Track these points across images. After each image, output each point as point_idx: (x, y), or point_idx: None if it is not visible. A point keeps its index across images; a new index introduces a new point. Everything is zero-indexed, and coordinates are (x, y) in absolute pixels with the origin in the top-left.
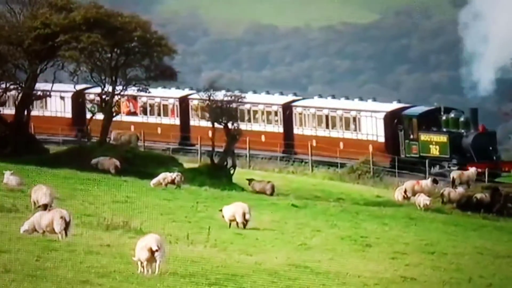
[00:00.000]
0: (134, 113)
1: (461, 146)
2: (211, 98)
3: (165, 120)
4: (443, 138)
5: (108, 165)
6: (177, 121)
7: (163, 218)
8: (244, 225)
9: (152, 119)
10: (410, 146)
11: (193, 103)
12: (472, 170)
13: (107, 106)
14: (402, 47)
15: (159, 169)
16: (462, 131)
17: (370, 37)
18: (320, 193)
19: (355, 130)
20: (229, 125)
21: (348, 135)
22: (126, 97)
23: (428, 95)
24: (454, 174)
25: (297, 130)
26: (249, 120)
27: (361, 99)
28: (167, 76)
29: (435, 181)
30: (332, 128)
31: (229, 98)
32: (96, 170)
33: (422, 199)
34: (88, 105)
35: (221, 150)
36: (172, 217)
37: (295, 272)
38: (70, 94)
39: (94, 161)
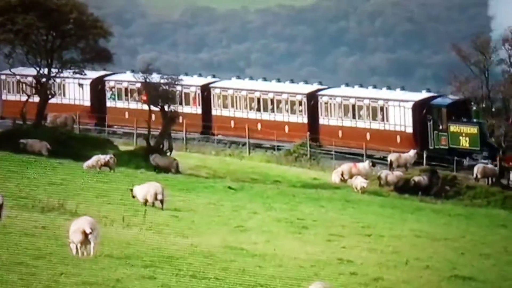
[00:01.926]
0: None
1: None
2: (147, 80)
3: None
4: (473, 130)
5: (39, 148)
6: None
7: (98, 200)
8: (157, 204)
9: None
10: (439, 137)
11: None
12: (410, 153)
13: (43, 88)
14: (340, 30)
15: (95, 152)
16: (494, 122)
17: (308, 20)
18: (257, 175)
19: (383, 120)
20: (166, 107)
21: (375, 125)
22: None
23: (366, 77)
24: (392, 156)
25: (322, 121)
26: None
27: (388, 87)
28: (102, 58)
29: (372, 164)
30: (359, 119)
31: (166, 80)
32: (29, 152)
33: (359, 182)
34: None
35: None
36: (108, 199)
37: (231, 254)
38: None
39: (22, 141)
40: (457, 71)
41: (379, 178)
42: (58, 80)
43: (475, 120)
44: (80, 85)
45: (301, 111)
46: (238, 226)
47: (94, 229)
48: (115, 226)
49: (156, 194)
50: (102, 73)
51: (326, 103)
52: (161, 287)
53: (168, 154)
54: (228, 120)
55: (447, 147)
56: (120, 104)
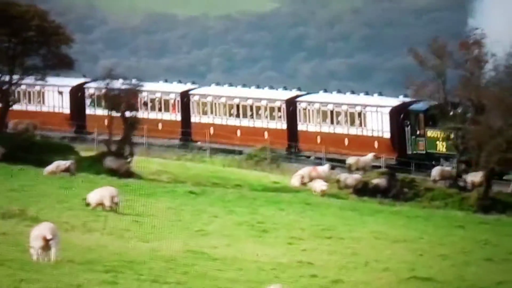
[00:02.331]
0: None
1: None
2: (108, 86)
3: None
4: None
5: None
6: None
7: (59, 206)
8: (113, 209)
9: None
10: (416, 142)
11: (89, 91)
12: (369, 156)
13: (4, 95)
14: (299, 35)
15: (56, 158)
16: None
17: (268, 26)
18: (218, 180)
19: (360, 125)
20: (127, 113)
21: (354, 131)
22: None
23: (326, 82)
24: (351, 160)
25: (301, 127)
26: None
27: (366, 93)
28: (64, 65)
29: (332, 167)
30: (337, 124)
31: (127, 86)
32: None
33: (318, 185)
34: None
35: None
36: (69, 205)
37: (192, 258)
38: None
39: None
40: (414, 75)
41: (338, 181)
42: (37, 87)
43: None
44: (60, 92)
45: (280, 117)
46: (199, 230)
47: (55, 235)
48: (76, 231)
49: (112, 197)
50: (82, 80)
51: (304, 109)
52: None
53: (129, 159)
54: (207, 127)
55: (424, 152)
56: (99, 112)
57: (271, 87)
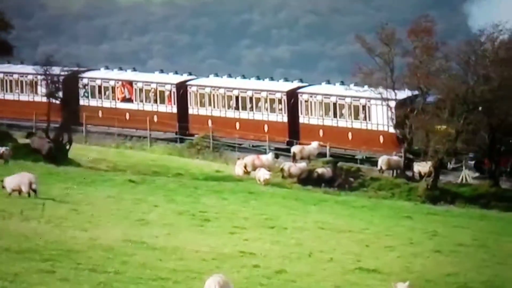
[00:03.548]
0: (130, 100)
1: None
2: (47, 73)
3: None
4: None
5: None
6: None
7: None
8: (30, 194)
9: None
10: None
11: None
12: (313, 145)
13: None
14: (243, 22)
15: None
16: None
17: (211, 12)
18: (158, 168)
19: (365, 119)
20: (66, 100)
21: (357, 125)
22: (120, 82)
23: (270, 70)
24: (295, 148)
25: (303, 119)
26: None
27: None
28: (3, 51)
29: (275, 156)
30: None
31: (66, 73)
32: None
33: (262, 174)
34: None
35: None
36: (5, 192)
37: (131, 247)
38: None
39: None
40: (361, 62)
41: (282, 170)
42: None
43: None
44: None
45: (281, 109)
46: (138, 220)
47: None
48: (13, 219)
49: (30, 183)
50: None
51: (306, 101)
52: (60, 281)
53: (67, 147)
54: (205, 120)
55: None
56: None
57: (271, 79)
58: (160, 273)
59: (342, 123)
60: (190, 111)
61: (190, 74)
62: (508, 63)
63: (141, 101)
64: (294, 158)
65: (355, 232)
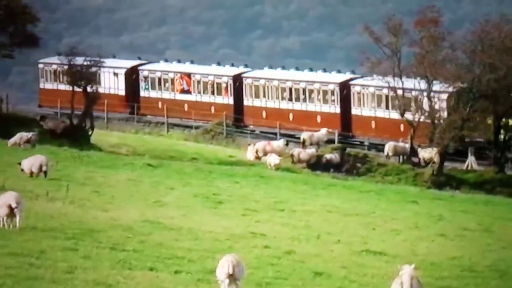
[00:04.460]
0: (188, 91)
1: None
2: (71, 62)
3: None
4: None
5: None
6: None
7: (24, 176)
8: (45, 175)
9: None
10: None
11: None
12: (322, 131)
13: None
14: (256, 14)
15: (21, 130)
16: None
17: (225, 5)
18: (175, 153)
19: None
20: (88, 88)
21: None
22: (179, 75)
23: (281, 59)
24: (305, 135)
25: (355, 111)
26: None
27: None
28: (30, 43)
29: (286, 142)
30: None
31: (88, 62)
32: None
33: (273, 159)
34: None
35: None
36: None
37: (149, 227)
38: None
39: None
40: (369, 52)
41: (292, 155)
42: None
43: None
44: None
45: (333, 101)
46: (156, 201)
47: (19, 203)
48: (39, 200)
49: (41, 166)
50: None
51: (358, 93)
52: (83, 258)
53: (90, 133)
54: (260, 111)
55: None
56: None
57: (324, 70)
58: (176, 252)
59: (393, 114)
60: (245, 103)
61: (246, 66)
62: None
63: (199, 92)
64: (303, 144)
65: (362, 216)
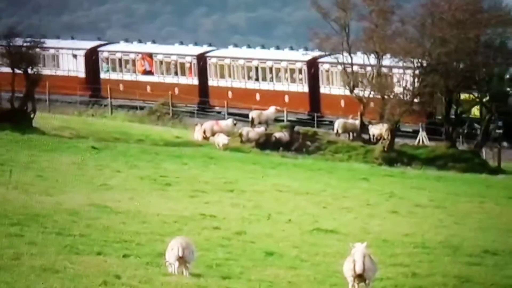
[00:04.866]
0: (150, 72)
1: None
2: (10, 44)
3: None
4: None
5: None
6: None
7: None
8: None
9: None
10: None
11: None
12: (271, 110)
13: None
14: None
15: None
16: (508, 89)
17: None
18: (120, 135)
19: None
20: (29, 70)
21: None
22: (140, 55)
23: (227, 36)
24: (253, 113)
25: (323, 89)
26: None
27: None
28: None
29: (234, 122)
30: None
31: (28, 43)
32: None
33: (221, 139)
34: None
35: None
36: None
37: (95, 212)
38: None
39: None
40: (317, 28)
41: (240, 135)
42: None
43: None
44: None
45: (301, 80)
46: (102, 185)
47: None
48: None
49: None
50: None
51: (327, 71)
52: (28, 244)
53: (32, 116)
54: (225, 91)
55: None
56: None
57: (291, 48)
58: (124, 236)
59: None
60: (210, 83)
61: (210, 45)
62: (464, 25)
63: (162, 73)
64: (252, 123)
65: (312, 194)
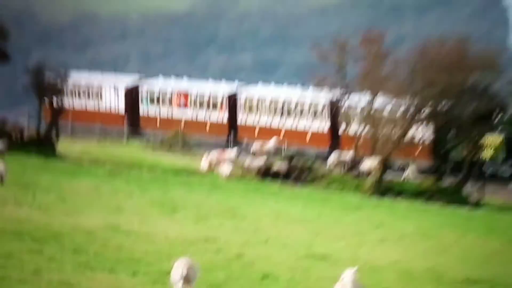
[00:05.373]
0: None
1: None
2: (38, 78)
3: None
4: (498, 139)
5: None
6: None
7: None
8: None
9: None
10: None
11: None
12: (271, 142)
13: None
14: (211, 32)
15: None
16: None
17: (183, 23)
18: (134, 162)
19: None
20: (54, 101)
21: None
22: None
23: (234, 74)
24: (255, 146)
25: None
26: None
27: None
28: (1, 57)
29: (238, 152)
30: None
31: (55, 76)
32: None
33: (225, 168)
34: None
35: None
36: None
37: (109, 232)
38: None
39: None
40: (317, 69)
41: (242, 165)
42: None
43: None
44: None
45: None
46: (116, 207)
47: None
48: (8, 205)
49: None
50: None
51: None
52: (48, 260)
53: (55, 142)
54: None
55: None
56: None
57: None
58: (134, 255)
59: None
60: (240, 120)
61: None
62: (452, 69)
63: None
64: (254, 154)
65: (307, 222)
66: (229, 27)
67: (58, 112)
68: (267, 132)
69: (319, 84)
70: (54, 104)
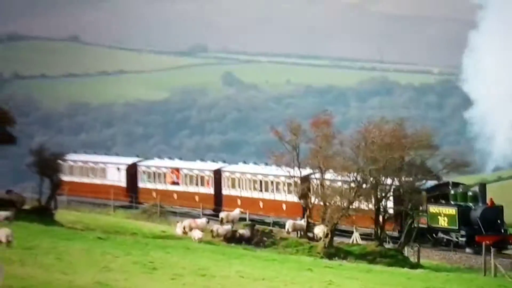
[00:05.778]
0: (177, 183)
1: (469, 219)
2: (41, 157)
3: None
4: (452, 211)
5: None
6: None
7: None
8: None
9: None
10: (419, 217)
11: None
12: (236, 211)
13: None
14: (185, 117)
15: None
16: (470, 204)
17: (161, 110)
18: (119, 228)
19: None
20: (53, 176)
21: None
22: (170, 169)
23: (204, 154)
24: (222, 214)
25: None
26: None
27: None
28: (9, 141)
29: (207, 220)
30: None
31: (54, 156)
32: None
33: (196, 234)
34: None
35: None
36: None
37: None
38: None
39: None
40: (274, 148)
41: (212, 231)
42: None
43: (453, 202)
44: None
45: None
46: (104, 267)
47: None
48: (14, 265)
49: (7, 236)
50: None
51: (316, 184)
52: None
53: (53, 212)
54: (236, 199)
55: (426, 226)
56: None
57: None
58: None
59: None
60: (224, 192)
61: (224, 162)
62: (391, 147)
63: (186, 184)
64: (221, 222)
65: (267, 280)
66: (200, 113)
67: (56, 186)
68: (248, 203)
69: (277, 161)
70: (54, 180)
